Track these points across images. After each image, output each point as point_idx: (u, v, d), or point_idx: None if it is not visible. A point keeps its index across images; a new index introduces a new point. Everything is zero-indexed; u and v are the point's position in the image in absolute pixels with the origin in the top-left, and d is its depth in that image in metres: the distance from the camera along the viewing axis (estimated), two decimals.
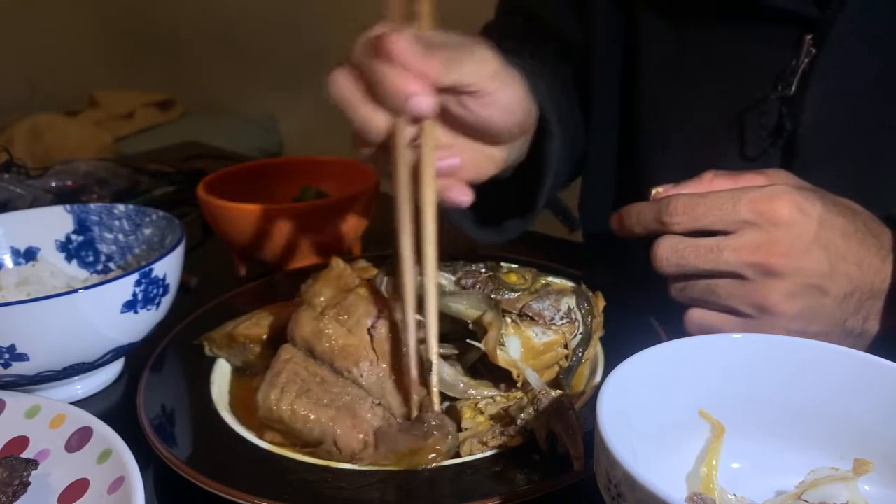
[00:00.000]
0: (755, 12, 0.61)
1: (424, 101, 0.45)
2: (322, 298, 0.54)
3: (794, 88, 0.60)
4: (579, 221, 0.81)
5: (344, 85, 0.47)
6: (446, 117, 0.51)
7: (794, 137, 0.61)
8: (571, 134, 0.72)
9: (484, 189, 0.56)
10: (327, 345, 0.51)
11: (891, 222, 0.52)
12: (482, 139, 0.54)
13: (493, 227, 0.67)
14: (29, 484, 0.44)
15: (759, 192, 0.49)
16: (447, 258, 0.58)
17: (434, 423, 0.47)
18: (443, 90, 0.48)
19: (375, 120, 0.47)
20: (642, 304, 0.61)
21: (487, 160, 0.56)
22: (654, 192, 0.55)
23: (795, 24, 0.59)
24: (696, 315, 0.53)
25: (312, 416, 0.48)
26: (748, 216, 0.49)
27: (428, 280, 0.49)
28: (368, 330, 0.50)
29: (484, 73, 0.49)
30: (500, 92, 0.50)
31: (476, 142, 0.54)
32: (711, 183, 0.53)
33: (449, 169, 0.50)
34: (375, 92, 0.46)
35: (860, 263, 0.50)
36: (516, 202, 0.65)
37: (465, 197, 0.50)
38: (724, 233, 0.50)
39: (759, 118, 0.62)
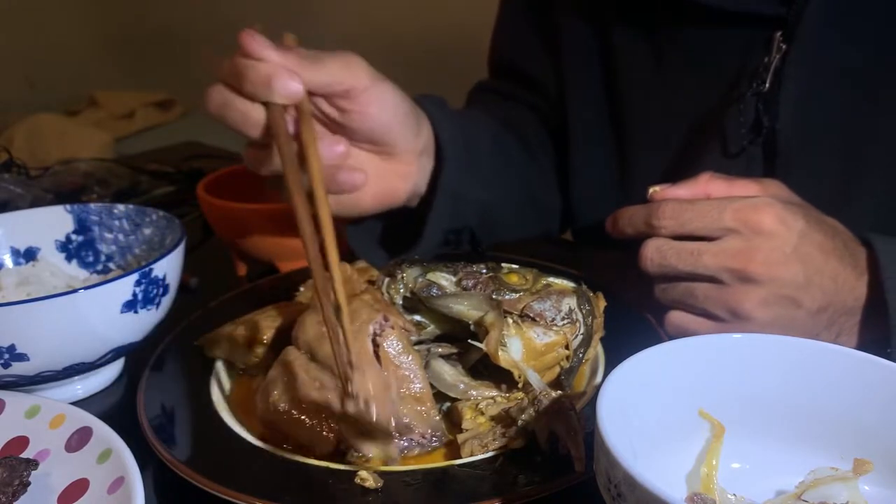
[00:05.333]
0: (724, 16, 0.62)
1: (287, 82, 0.48)
2: None
3: (767, 85, 0.61)
4: (580, 224, 0.81)
5: (217, 93, 0.51)
6: (336, 128, 0.55)
7: (773, 134, 0.62)
8: (494, 169, 0.72)
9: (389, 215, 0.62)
10: (329, 350, 0.51)
11: (866, 244, 0.53)
12: (380, 145, 0.57)
13: (385, 249, 0.68)
14: (29, 484, 0.44)
15: (745, 202, 0.51)
16: (448, 259, 0.59)
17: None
18: (319, 94, 0.52)
19: (252, 113, 0.50)
20: (642, 304, 0.61)
21: (396, 176, 0.60)
22: (651, 190, 0.56)
23: (765, 22, 0.60)
24: (674, 317, 0.54)
25: (303, 417, 0.48)
26: (731, 224, 0.50)
27: (333, 269, 0.47)
28: (373, 338, 0.50)
29: (352, 72, 0.52)
30: (375, 88, 0.53)
31: (379, 153, 0.58)
32: (707, 184, 0.55)
33: (338, 156, 0.52)
34: (244, 87, 0.49)
35: (836, 279, 0.51)
36: (413, 228, 0.66)
37: (358, 175, 0.53)
38: (710, 239, 0.51)
39: (738, 116, 0.63)
